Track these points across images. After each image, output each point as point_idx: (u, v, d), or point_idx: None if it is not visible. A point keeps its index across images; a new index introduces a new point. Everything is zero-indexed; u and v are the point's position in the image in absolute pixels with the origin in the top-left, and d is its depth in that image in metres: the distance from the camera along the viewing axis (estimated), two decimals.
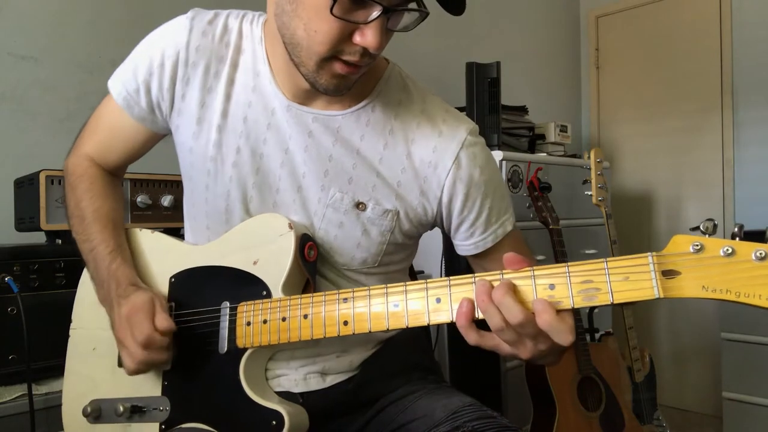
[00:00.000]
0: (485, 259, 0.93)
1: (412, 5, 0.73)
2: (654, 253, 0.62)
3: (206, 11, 0.88)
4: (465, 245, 0.92)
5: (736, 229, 0.61)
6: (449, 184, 0.87)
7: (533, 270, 0.66)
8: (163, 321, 0.80)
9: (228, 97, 0.86)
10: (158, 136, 0.96)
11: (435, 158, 0.86)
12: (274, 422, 0.77)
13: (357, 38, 0.72)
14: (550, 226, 1.81)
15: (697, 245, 0.60)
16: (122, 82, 0.89)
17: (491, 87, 2.14)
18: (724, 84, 2.96)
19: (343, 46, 0.74)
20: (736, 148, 2.93)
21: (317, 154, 0.85)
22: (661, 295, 0.60)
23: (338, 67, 0.76)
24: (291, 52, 0.78)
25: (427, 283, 0.72)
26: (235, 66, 0.86)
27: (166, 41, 0.86)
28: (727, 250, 0.59)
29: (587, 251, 2.33)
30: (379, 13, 0.70)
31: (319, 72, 0.77)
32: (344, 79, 0.77)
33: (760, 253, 0.58)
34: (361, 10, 0.71)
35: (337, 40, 0.73)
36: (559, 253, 1.78)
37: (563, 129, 2.51)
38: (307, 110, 0.85)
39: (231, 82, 0.86)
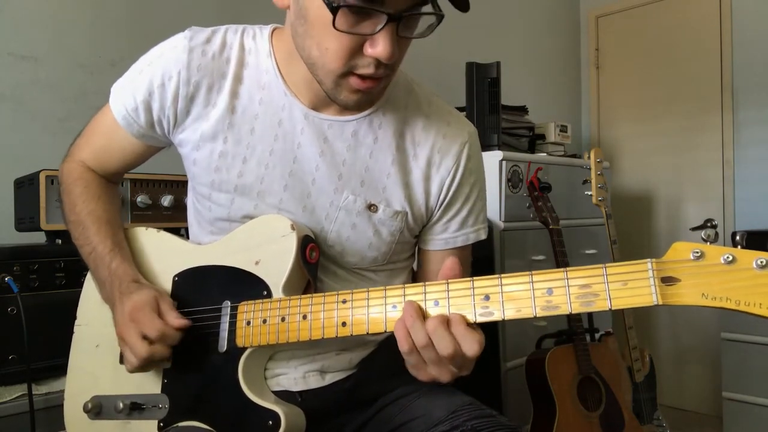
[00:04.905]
0: (437, 260, 0.95)
1: (426, 7, 0.71)
2: (653, 260, 0.61)
3: (203, 29, 0.88)
4: (437, 239, 0.94)
5: (738, 237, 0.60)
6: (448, 183, 0.90)
7: (531, 275, 0.66)
8: (176, 318, 0.81)
9: (232, 109, 0.86)
10: (157, 149, 0.97)
11: (439, 159, 0.90)
12: (270, 422, 0.77)
13: (368, 49, 0.72)
14: (550, 226, 1.81)
15: (697, 252, 0.60)
16: (121, 101, 0.90)
17: (491, 87, 2.14)
18: (724, 84, 2.95)
19: (356, 60, 0.74)
20: (736, 148, 2.93)
21: (332, 158, 0.86)
22: (660, 302, 0.60)
23: (355, 83, 0.76)
24: (311, 71, 0.79)
25: (425, 286, 0.72)
26: (238, 80, 0.86)
27: (165, 61, 0.86)
28: (728, 257, 0.58)
29: (587, 251, 2.33)
30: (385, 23, 0.69)
31: (337, 89, 0.77)
32: (364, 94, 0.78)
33: (761, 262, 0.57)
34: (366, 22, 0.70)
35: (349, 55, 0.73)
36: (559, 253, 1.78)
37: (563, 129, 2.51)
38: (323, 117, 0.86)
39: (235, 95, 0.86)
